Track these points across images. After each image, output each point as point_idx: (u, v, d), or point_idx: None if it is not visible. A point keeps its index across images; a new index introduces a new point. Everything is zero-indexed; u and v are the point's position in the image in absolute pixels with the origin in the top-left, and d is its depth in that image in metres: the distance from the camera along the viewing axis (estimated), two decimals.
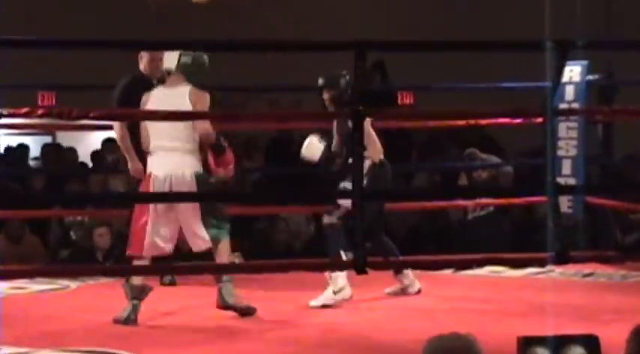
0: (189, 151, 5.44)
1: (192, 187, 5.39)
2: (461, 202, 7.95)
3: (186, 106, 5.40)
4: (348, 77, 5.75)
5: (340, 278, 5.76)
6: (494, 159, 8.74)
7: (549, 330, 3.38)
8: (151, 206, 5.40)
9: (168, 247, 5.46)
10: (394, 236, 6.74)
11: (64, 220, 8.75)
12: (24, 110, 4.64)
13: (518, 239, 8.07)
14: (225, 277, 5.50)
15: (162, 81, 5.83)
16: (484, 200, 7.89)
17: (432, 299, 5.99)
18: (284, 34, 10.09)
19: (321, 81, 5.89)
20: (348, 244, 5.60)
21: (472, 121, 7.50)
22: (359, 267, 4.70)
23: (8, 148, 10.70)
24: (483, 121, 7.78)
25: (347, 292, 5.78)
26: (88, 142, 11.45)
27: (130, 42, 5.63)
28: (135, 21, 11.18)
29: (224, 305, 5.52)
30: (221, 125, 6.18)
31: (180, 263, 5.67)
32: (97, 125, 7.85)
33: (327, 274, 5.78)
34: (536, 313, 5.38)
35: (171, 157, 5.44)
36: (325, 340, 5.12)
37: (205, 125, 5.39)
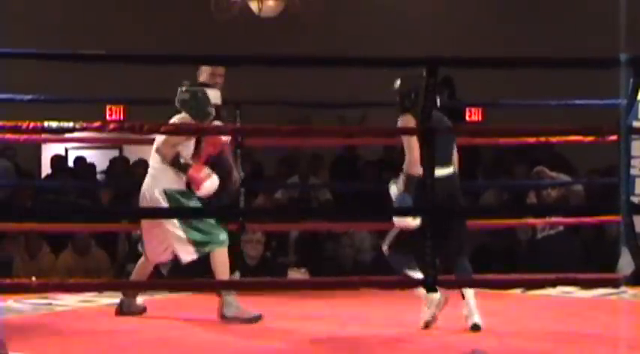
0: (159, 170, 5.87)
1: (161, 203, 5.79)
2: (530, 221, 7.85)
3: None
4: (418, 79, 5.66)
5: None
6: (564, 177, 8.62)
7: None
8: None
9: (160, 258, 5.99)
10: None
11: (131, 235, 8.79)
12: (96, 124, 4.65)
13: (588, 259, 7.95)
14: None
15: None
16: (554, 219, 7.79)
17: (502, 319, 5.89)
18: (353, 49, 10.09)
19: (396, 83, 5.76)
20: (413, 262, 5.52)
21: (542, 139, 7.40)
22: (429, 285, 4.64)
23: (77, 161, 10.81)
24: (554, 139, 7.67)
25: (436, 297, 5.61)
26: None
27: (197, 57, 5.65)
28: (202, 35, 11.24)
29: (225, 317, 5.80)
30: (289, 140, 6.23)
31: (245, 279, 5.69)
32: None
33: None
34: (610, 335, 5.27)
35: (147, 176, 5.94)
36: None
37: (161, 148, 5.81)
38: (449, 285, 5.42)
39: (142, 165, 10.48)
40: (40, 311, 6.16)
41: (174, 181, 5.83)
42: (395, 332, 5.59)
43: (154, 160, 5.93)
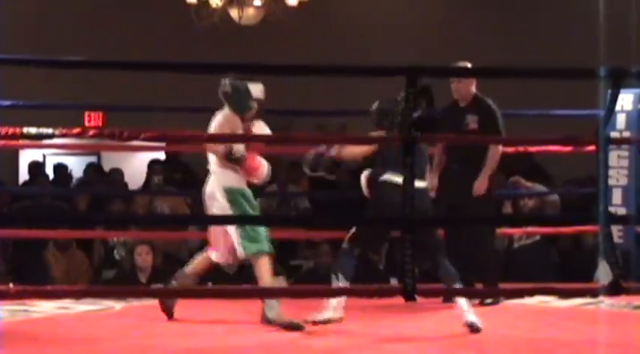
0: (215, 170, 5.89)
1: (222, 201, 5.80)
2: (507, 231, 7.87)
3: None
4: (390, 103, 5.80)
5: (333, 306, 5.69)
6: (540, 187, 8.66)
7: None
8: None
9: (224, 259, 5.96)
10: None
11: (107, 241, 8.77)
12: (75, 130, 4.65)
13: (565, 269, 7.98)
14: None
15: None
16: (530, 229, 7.82)
17: (481, 328, 5.90)
18: (333, 58, 10.11)
19: (374, 105, 5.90)
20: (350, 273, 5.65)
21: (521, 148, 7.43)
22: (407, 293, 4.65)
23: (56, 168, 10.77)
24: (532, 149, 7.70)
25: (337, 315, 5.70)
26: (132, 163, 11.51)
27: (176, 65, 5.65)
28: (182, 43, 11.24)
29: (267, 320, 5.73)
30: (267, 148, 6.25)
31: (225, 286, 5.68)
32: (144, 146, 7.86)
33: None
34: (587, 344, 5.28)
35: (210, 176, 5.94)
36: None
37: (211, 145, 5.87)
38: (428, 294, 5.45)
39: (119, 172, 10.49)
40: (17, 317, 6.12)
41: (234, 180, 5.85)
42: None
43: (211, 161, 5.93)
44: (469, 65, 6.51)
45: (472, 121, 6.66)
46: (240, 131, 5.82)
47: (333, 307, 5.68)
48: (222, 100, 5.90)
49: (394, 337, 5.65)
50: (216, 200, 5.83)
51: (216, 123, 5.85)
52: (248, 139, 6.00)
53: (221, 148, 5.80)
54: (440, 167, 6.81)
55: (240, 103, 5.85)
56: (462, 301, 5.64)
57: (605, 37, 6.91)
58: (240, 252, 5.81)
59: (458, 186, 6.64)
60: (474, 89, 6.70)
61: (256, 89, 5.90)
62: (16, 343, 5.39)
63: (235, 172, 5.87)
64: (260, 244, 5.79)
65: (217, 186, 5.85)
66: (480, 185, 6.59)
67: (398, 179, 5.42)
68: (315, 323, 5.67)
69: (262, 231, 5.83)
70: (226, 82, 5.85)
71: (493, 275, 6.59)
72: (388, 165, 5.73)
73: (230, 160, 5.81)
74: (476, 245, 6.59)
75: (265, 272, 5.78)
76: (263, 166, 5.92)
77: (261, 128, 5.99)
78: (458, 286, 5.70)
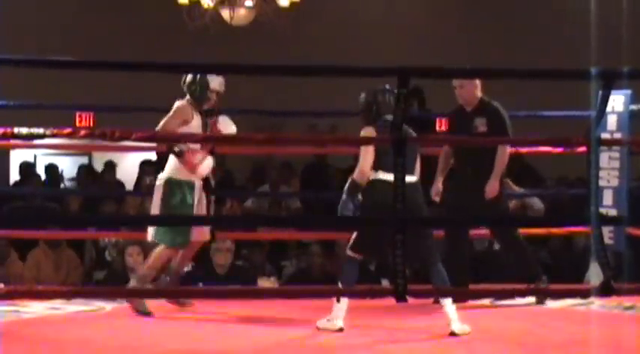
0: (170, 160, 6.28)
1: (160, 190, 6.22)
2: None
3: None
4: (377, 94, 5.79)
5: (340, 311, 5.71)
6: (522, 191, 8.64)
7: None
8: None
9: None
10: None
11: (98, 241, 8.76)
12: (67, 131, 4.63)
13: (556, 270, 7.98)
14: None
15: None
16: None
17: (473, 329, 5.90)
18: (324, 58, 10.11)
19: (361, 96, 5.91)
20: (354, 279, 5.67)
21: (512, 149, 7.42)
22: (399, 294, 4.65)
23: (47, 168, 10.75)
24: (523, 150, 7.70)
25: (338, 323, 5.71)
26: (123, 163, 11.49)
27: (168, 65, 5.63)
28: (173, 43, 11.22)
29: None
30: (260, 148, 6.27)
31: (215, 287, 5.69)
32: (135, 146, 7.85)
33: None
34: (578, 345, 5.29)
35: None
36: None
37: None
38: (419, 294, 5.45)
39: (111, 171, 10.48)
40: (7, 318, 6.10)
41: (176, 171, 6.19)
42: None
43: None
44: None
45: (481, 124, 6.67)
46: (192, 120, 6.15)
47: (338, 315, 5.68)
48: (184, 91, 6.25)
49: (386, 338, 5.66)
50: (156, 189, 6.23)
51: (171, 111, 6.18)
52: (246, 140, 6.04)
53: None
54: (445, 171, 6.81)
55: (196, 93, 6.20)
56: (449, 309, 5.63)
57: (595, 37, 6.92)
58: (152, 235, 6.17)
59: (467, 189, 6.64)
60: (479, 93, 6.70)
61: (215, 82, 6.22)
62: (6, 343, 5.37)
63: (178, 163, 6.20)
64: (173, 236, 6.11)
65: (161, 176, 6.27)
66: (492, 188, 6.59)
67: (390, 177, 5.40)
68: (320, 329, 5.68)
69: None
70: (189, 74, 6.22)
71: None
72: (379, 163, 5.72)
73: (171, 154, 6.19)
74: (505, 247, 6.63)
75: (156, 262, 6.17)
76: (200, 164, 6.18)
77: (226, 123, 6.26)
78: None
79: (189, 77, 6.23)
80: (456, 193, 6.72)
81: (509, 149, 6.67)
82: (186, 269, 6.98)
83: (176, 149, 6.14)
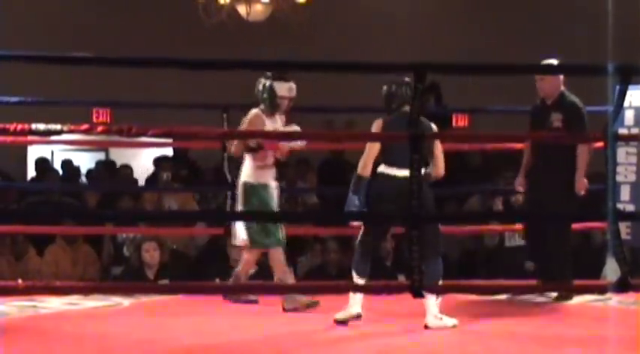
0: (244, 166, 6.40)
1: (240, 194, 6.37)
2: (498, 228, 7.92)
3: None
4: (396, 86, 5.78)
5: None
6: None
7: None
8: None
9: None
10: (446, 259, 6.67)
11: (116, 237, 8.79)
12: (84, 127, 4.65)
13: (573, 265, 7.95)
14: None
15: None
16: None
17: (489, 325, 5.90)
18: (340, 54, 10.10)
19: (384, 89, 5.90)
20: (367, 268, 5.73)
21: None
22: (415, 290, 4.65)
23: (64, 164, 10.78)
24: None
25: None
26: (140, 159, 11.51)
27: (184, 61, 5.65)
28: (190, 39, 11.23)
29: (287, 309, 6.16)
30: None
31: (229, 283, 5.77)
32: (152, 142, 7.86)
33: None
34: (595, 341, 5.28)
35: None
36: None
37: (232, 150, 6.50)
38: (435, 290, 5.45)
39: (128, 168, 10.50)
40: (25, 313, 6.13)
41: (249, 175, 6.33)
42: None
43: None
44: (555, 62, 6.43)
45: (556, 120, 6.64)
46: (265, 128, 6.24)
47: (355, 303, 5.72)
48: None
49: (400, 331, 5.66)
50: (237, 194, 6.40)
51: (246, 120, 6.35)
52: (255, 135, 6.07)
53: (239, 148, 6.35)
54: (527, 166, 6.82)
55: (267, 101, 6.30)
56: (430, 302, 5.63)
57: (612, 32, 6.89)
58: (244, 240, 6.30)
59: (540, 184, 6.66)
60: (560, 86, 6.67)
61: (283, 88, 6.30)
62: (24, 339, 5.41)
63: (255, 169, 6.31)
64: (268, 238, 6.26)
65: (238, 181, 6.38)
66: (580, 184, 6.60)
67: (393, 171, 5.63)
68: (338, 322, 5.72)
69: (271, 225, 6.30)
70: (260, 81, 6.31)
71: (567, 271, 6.62)
72: (387, 157, 5.73)
73: (249, 151, 6.28)
74: (554, 242, 6.64)
75: (278, 264, 6.30)
76: (283, 145, 6.37)
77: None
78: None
79: (260, 86, 6.32)
80: (530, 186, 6.76)
81: (588, 145, 6.60)
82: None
83: (251, 144, 6.24)
